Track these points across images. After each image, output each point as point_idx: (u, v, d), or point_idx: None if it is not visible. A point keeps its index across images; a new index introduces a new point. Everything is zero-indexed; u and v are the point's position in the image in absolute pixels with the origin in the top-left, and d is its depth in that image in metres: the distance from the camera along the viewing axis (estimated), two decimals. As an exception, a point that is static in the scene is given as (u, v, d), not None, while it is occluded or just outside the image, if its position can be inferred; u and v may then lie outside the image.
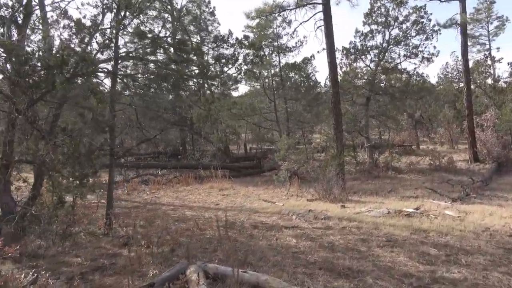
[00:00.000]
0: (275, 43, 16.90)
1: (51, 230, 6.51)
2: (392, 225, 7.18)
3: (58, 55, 5.36)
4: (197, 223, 7.38)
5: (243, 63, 9.40)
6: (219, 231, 6.51)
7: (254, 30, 17.53)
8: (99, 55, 6.85)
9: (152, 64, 7.81)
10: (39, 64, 5.92)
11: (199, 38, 19.17)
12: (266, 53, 16.37)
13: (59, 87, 5.43)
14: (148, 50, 7.15)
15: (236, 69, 9.77)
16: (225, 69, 12.37)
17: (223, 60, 8.93)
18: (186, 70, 8.72)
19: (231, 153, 21.93)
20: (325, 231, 6.90)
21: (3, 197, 6.03)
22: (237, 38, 9.24)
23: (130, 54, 7.27)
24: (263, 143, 22.63)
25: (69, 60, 5.48)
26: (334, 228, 7.07)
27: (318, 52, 23.50)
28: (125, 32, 7.01)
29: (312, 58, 17.50)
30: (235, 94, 26.01)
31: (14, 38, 6.21)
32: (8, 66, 6.16)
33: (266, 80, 19.01)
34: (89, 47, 7.59)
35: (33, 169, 6.81)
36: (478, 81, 23.01)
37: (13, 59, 5.90)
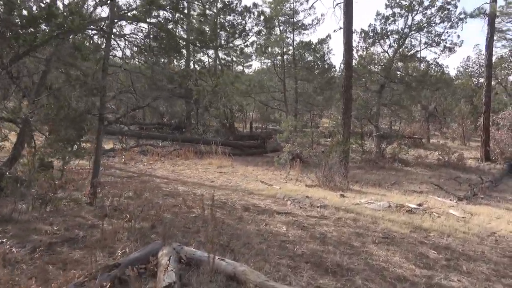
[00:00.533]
0: (291, 19, 16.06)
1: (30, 194, 6.20)
2: (391, 221, 6.74)
3: (44, 5, 4.86)
4: (185, 200, 6.99)
5: (251, 34, 8.77)
6: (205, 210, 6.13)
7: (271, 4, 16.70)
8: (96, 12, 6.34)
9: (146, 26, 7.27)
10: (25, 14, 5.43)
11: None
12: (281, 28, 15.55)
13: (42, 41, 4.96)
14: (143, 9, 6.62)
15: (243, 41, 9.10)
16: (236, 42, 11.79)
17: (228, 28, 8.27)
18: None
19: (236, 131, 21.50)
20: (319, 220, 6.48)
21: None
22: (245, 6, 8.58)
23: (127, 14, 6.75)
24: (269, 123, 22.09)
25: (57, 12, 4.98)
26: (329, 218, 6.65)
27: (334, 31, 22.49)
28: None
29: (328, 38, 16.72)
30: (248, 71, 25.43)
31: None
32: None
33: (279, 57, 18.27)
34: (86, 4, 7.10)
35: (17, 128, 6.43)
36: (500, 77, 21.99)
37: (-2, 8, 5.44)
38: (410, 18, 17.16)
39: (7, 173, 5.67)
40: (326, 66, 20.34)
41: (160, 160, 13.79)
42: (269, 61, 16.67)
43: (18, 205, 5.83)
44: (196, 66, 18.86)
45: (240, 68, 27.42)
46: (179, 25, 13.03)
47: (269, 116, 20.83)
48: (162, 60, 18.94)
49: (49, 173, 6.12)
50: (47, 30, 5.47)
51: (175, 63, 18.65)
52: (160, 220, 5.84)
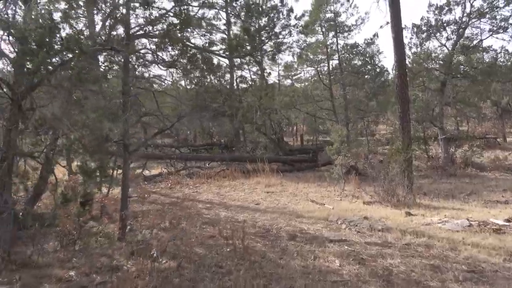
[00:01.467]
0: (333, 22, 14.97)
1: (54, 232, 5.78)
2: (475, 245, 5.34)
3: (40, 29, 4.42)
4: (221, 231, 6.17)
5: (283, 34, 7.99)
6: (242, 243, 5.25)
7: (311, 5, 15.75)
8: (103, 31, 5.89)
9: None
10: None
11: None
12: (323, 32, 14.53)
13: (44, 68, 4.51)
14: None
15: (275, 45, 8.27)
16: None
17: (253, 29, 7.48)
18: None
19: (286, 145, 20.56)
20: (381, 249, 5.29)
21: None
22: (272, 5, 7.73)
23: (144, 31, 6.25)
24: (319, 135, 20.88)
25: (54, 36, 4.53)
26: (393, 246, 5.43)
27: (381, 27, 20.87)
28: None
29: (375, 37, 15.33)
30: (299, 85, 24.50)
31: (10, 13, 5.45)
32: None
33: (322, 64, 17.18)
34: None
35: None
36: None
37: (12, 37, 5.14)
38: (468, 5, 15.29)
39: (31, 211, 5.24)
40: (377, 69, 18.85)
41: (206, 182, 13.22)
42: (312, 68, 15.67)
43: (41, 246, 5.39)
44: (238, 82, 18.34)
45: (288, 81, 26.71)
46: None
47: (318, 127, 19.65)
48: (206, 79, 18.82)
49: (77, 208, 5.62)
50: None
51: (216, 81, 18.33)
52: (190, 258, 5.04)
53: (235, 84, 19.89)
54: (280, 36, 8.01)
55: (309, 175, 14.29)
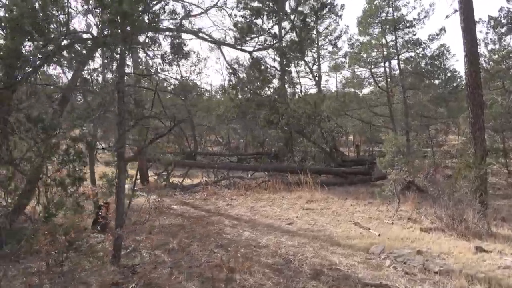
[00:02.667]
0: (391, 17, 13.13)
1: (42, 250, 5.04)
2: None
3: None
4: (229, 259, 5.02)
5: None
6: (250, 277, 4.06)
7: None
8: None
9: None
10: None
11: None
12: (377, 29, 12.78)
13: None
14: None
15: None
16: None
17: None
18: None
19: (340, 156, 18.85)
20: (435, 306, 3.75)
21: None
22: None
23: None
24: (376, 144, 18.84)
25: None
26: (454, 302, 3.86)
27: (447, 17, 18.17)
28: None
29: (442, 32, 13.13)
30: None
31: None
32: None
33: (382, 65, 15.28)
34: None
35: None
36: None
37: None
38: None
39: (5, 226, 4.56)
40: (447, 73, 16.50)
41: (244, 194, 12.16)
42: (365, 69, 13.95)
43: (19, 266, 4.67)
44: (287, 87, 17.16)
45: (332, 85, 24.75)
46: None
47: (375, 136, 17.70)
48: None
49: (56, 228, 4.84)
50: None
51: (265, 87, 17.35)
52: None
53: (287, 91, 18.85)
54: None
55: (361, 190, 12.57)
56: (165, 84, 25.37)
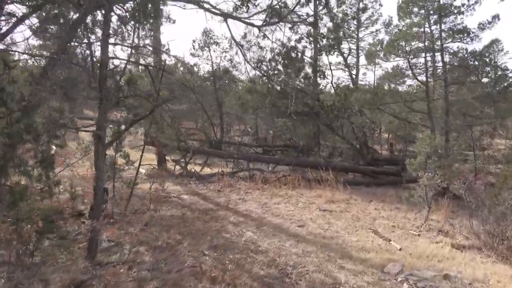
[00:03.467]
0: (434, 3, 11.59)
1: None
2: None
3: None
4: (205, 271, 4.28)
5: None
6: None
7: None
8: None
9: None
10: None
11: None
12: (418, 15, 11.32)
13: None
14: None
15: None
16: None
17: None
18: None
19: (373, 153, 17.58)
20: None
21: None
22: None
23: None
24: (409, 143, 17.35)
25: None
26: None
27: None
28: None
29: (495, 20, 11.39)
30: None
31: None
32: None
33: (423, 55, 13.72)
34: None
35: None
36: None
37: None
38: None
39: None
40: (498, 71, 14.73)
41: (260, 188, 11.39)
42: (402, 59, 12.53)
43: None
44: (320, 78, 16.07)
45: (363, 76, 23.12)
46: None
47: (409, 134, 16.28)
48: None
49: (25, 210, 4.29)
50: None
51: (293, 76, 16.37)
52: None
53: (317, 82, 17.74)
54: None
55: (389, 192, 11.43)
56: (196, 69, 24.91)
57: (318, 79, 16.53)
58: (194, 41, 24.29)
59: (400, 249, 5.71)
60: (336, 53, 18.74)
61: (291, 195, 10.46)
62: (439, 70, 12.88)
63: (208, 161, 16.20)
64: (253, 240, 6.03)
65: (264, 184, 11.87)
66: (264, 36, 17.18)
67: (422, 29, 11.53)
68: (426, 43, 11.70)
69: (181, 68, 25.46)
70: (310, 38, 17.61)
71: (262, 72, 17.55)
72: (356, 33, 25.48)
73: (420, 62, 12.97)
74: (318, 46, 17.18)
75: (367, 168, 14.44)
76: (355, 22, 25.38)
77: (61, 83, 4.22)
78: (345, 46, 21.68)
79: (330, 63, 15.79)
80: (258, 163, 15.22)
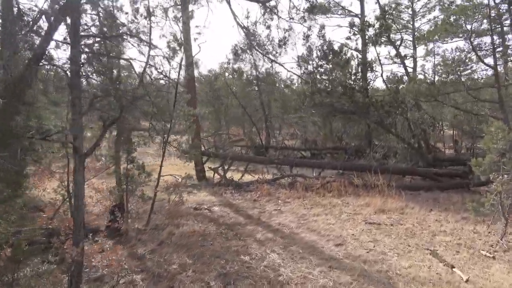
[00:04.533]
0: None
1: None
2: None
3: None
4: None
5: None
6: None
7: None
8: None
9: None
10: None
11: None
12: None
13: None
14: None
15: None
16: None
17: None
18: None
19: (433, 153, 15.56)
20: None
21: None
22: None
23: None
24: (478, 140, 14.99)
25: None
26: None
27: None
28: None
29: None
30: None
31: None
32: None
33: (489, 34, 11.59)
34: None
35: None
36: None
37: None
38: None
39: None
40: None
41: (302, 197, 10.24)
42: (461, 39, 10.55)
43: None
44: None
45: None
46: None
47: (477, 129, 14.05)
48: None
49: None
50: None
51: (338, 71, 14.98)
52: None
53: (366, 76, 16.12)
54: None
55: (453, 198, 9.66)
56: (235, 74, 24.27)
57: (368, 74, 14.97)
58: (236, 45, 23.73)
59: (466, 281, 4.31)
60: (386, 44, 17.04)
61: (335, 204, 9.19)
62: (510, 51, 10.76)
63: (252, 168, 15.37)
64: (275, 265, 4.98)
65: (307, 192, 10.70)
66: (309, 29, 16.12)
67: (486, 1, 9.60)
68: (491, 17, 9.75)
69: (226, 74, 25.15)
70: (356, 28, 16.16)
71: (305, 69, 16.42)
72: (412, 22, 23.30)
73: (485, 42, 10.97)
74: (366, 37, 15.69)
75: (427, 170, 12.58)
76: (409, 11, 23.28)
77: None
78: (397, 37, 19.80)
79: (378, 55, 14.18)
80: (303, 168, 14.10)
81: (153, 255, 5.57)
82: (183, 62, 9.53)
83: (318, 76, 15.23)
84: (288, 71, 26.30)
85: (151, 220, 7.43)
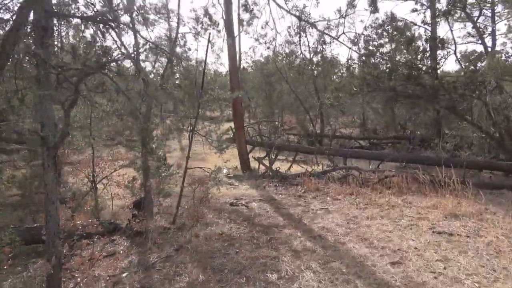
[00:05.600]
0: None
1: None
2: None
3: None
4: None
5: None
6: None
7: None
8: None
9: None
10: None
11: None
12: None
13: None
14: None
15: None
16: None
17: None
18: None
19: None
20: None
21: None
22: None
23: None
24: None
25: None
26: None
27: None
28: None
29: None
30: None
31: None
32: None
33: None
34: None
35: None
36: None
37: None
38: None
39: None
40: None
41: (354, 193, 8.87)
42: None
43: None
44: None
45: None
46: None
47: None
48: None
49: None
50: None
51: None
52: None
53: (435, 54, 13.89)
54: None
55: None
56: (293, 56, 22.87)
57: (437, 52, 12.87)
58: (289, 27, 22.33)
59: None
60: (461, 19, 14.67)
61: (394, 205, 7.73)
62: None
63: (303, 158, 14.20)
64: (308, 290, 3.84)
65: (361, 188, 9.30)
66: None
67: None
68: None
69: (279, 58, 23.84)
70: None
71: (365, 48, 14.70)
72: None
73: None
74: (435, 9, 13.56)
75: (509, 164, 10.50)
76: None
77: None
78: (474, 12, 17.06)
79: (451, 28, 12.03)
80: (359, 160, 12.63)
81: (165, 263, 4.72)
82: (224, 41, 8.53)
83: (378, 56, 13.47)
84: (349, 48, 23.84)
85: (178, 217, 6.63)
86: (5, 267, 3.64)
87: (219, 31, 11.78)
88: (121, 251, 5.19)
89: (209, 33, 6.82)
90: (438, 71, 13.43)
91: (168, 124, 6.42)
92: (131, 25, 5.29)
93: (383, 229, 6.08)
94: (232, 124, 12.16)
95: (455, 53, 12.41)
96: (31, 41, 3.02)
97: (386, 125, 22.28)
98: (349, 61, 15.80)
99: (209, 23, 6.98)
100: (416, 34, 13.95)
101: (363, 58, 12.79)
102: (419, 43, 12.94)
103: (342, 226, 6.33)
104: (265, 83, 22.54)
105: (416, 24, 13.79)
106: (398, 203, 7.87)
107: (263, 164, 11.99)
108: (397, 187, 9.05)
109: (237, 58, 13.18)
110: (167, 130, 6.55)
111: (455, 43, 12.27)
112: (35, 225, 5.43)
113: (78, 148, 6.81)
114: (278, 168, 11.53)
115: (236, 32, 11.77)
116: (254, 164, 12.59)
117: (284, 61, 22.50)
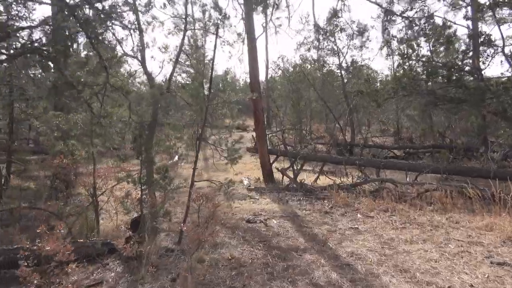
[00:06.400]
0: None
1: None
2: None
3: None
4: None
5: None
6: None
7: None
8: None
9: None
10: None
11: None
12: None
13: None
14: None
15: None
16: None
17: None
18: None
19: None
20: None
21: None
22: None
23: None
24: None
25: None
26: None
27: None
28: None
29: None
30: None
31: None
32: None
33: None
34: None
35: None
36: None
37: None
38: None
39: None
40: None
41: (389, 210, 7.75)
42: None
43: None
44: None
45: None
46: None
47: None
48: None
49: None
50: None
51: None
52: None
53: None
54: None
55: None
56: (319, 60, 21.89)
57: (482, 49, 11.51)
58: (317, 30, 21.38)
59: None
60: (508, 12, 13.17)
61: (438, 225, 6.57)
62: None
63: (331, 168, 13.14)
64: None
65: (396, 203, 8.15)
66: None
67: None
68: None
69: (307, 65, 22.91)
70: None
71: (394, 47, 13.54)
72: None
73: None
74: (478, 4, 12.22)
75: None
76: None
77: None
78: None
79: (498, 22, 10.68)
80: (394, 171, 11.44)
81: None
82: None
83: (414, 58, 12.26)
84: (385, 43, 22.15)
85: (184, 237, 5.82)
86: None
87: (239, 34, 11.06)
88: (110, 279, 4.42)
89: (217, 26, 6.03)
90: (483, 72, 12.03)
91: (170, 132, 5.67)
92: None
93: (427, 257, 4.98)
94: (254, 133, 11.34)
95: (503, 51, 11.02)
96: None
97: (423, 133, 20.72)
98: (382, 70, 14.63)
99: (219, 16, 6.37)
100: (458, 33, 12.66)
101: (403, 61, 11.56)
102: (461, 42, 11.68)
103: (375, 252, 5.28)
104: (292, 90, 21.63)
105: (454, 23, 12.48)
106: (442, 222, 6.70)
107: (287, 175, 11.04)
108: (439, 203, 7.86)
109: (264, 61, 12.39)
110: (174, 139, 5.81)
111: (503, 39, 10.86)
112: None
113: (78, 159, 6.18)
114: (303, 180, 10.54)
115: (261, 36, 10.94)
116: (278, 175, 11.68)
117: (311, 67, 21.56)
